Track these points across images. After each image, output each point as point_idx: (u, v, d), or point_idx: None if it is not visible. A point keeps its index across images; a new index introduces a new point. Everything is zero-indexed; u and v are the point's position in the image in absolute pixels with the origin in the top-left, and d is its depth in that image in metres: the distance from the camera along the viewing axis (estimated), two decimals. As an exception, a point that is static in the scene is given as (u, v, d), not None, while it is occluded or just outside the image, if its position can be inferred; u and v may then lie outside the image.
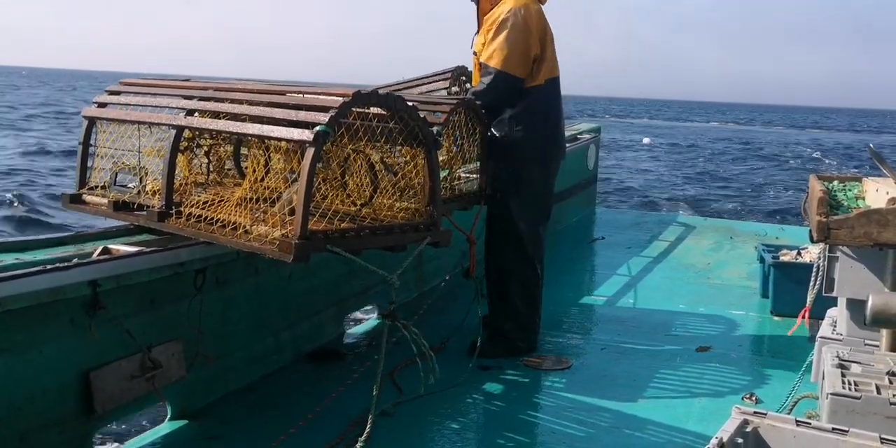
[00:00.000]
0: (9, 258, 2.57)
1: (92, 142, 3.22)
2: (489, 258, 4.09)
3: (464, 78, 4.94)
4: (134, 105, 3.15)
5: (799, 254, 5.00)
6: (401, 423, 3.19)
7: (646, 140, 43.69)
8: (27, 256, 2.65)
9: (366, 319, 4.82)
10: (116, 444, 3.12)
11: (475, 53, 4.02)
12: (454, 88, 4.91)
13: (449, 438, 3.11)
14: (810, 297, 4.04)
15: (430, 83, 4.99)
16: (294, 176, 2.71)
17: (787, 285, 4.69)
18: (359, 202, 2.93)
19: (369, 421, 2.85)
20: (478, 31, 4.03)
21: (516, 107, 3.86)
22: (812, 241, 2.84)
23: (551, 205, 4.17)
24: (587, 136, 8.50)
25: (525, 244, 3.99)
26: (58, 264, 2.49)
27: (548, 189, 4.11)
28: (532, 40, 3.85)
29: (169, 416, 3.17)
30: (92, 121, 3.23)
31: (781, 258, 4.96)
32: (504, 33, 3.79)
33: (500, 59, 3.80)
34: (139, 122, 3.07)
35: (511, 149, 3.86)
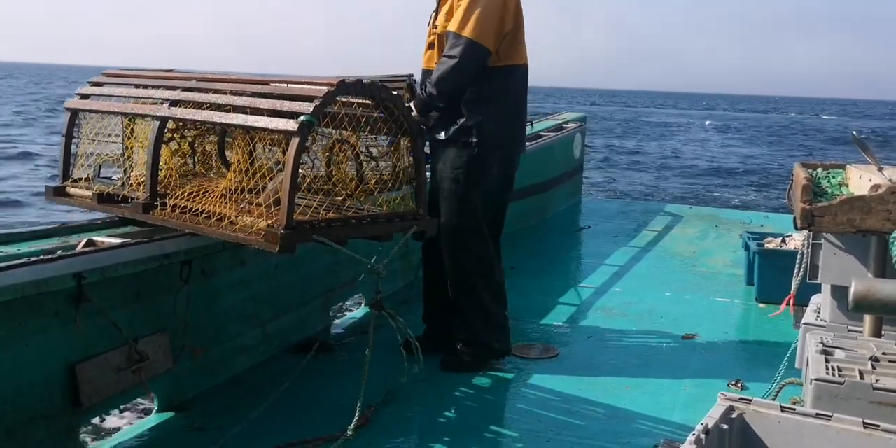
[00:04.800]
0: None
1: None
2: (446, 258, 3.67)
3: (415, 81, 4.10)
4: (117, 96, 3.13)
5: (783, 241, 5.03)
6: (389, 414, 3.20)
7: (707, 122, 45.64)
8: (11, 249, 2.63)
9: (353, 310, 4.82)
10: (104, 437, 3.11)
11: (435, 27, 3.61)
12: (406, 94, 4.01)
13: (437, 427, 3.12)
14: (795, 284, 4.07)
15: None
16: (279, 166, 2.69)
17: (772, 272, 4.72)
18: (344, 192, 2.92)
19: (357, 411, 2.86)
20: (436, 9, 3.66)
21: (482, 87, 3.52)
22: (796, 228, 2.86)
23: (509, 199, 3.84)
24: (573, 125, 8.51)
25: (485, 237, 3.67)
26: (42, 257, 2.47)
27: (508, 180, 3.76)
28: (507, 15, 3.50)
29: (156, 408, 3.16)
30: (75, 112, 3.21)
31: (766, 246, 4.99)
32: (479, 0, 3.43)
33: (472, 28, 3.40)
34: (122, 114, 3.05)
35: (472, 134, 3.52)
